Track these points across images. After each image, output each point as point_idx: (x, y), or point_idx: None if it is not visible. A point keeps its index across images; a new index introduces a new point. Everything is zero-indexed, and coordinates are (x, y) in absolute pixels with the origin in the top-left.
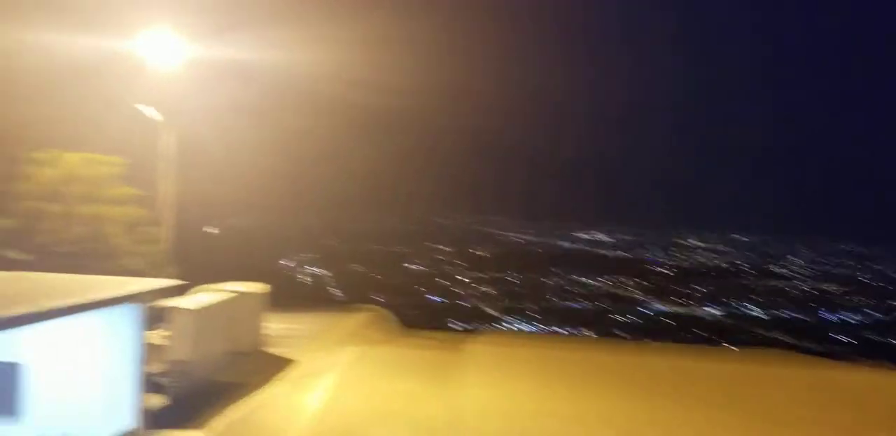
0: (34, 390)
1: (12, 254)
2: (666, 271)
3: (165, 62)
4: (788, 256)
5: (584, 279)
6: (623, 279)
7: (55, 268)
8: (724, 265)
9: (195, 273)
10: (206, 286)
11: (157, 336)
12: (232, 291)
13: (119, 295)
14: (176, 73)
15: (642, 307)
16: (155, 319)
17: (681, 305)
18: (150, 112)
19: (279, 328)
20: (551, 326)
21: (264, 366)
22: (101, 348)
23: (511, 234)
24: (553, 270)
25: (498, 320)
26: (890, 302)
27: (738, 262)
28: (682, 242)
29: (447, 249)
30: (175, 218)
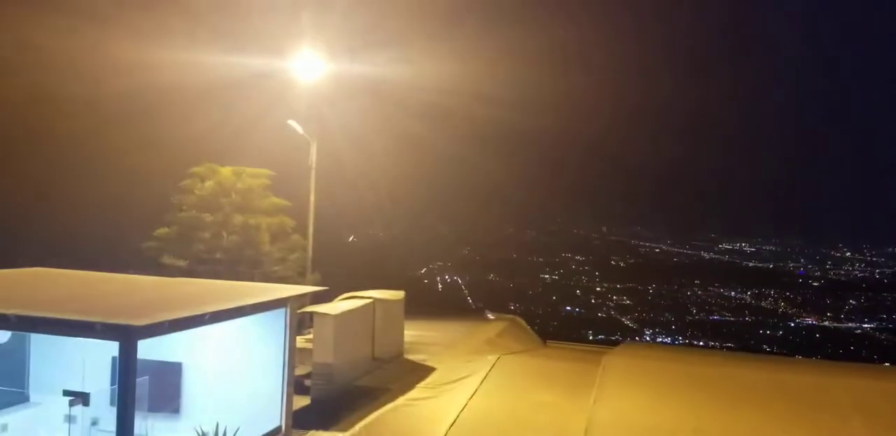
0: (193, 388)
1: (170, 260)
2: (815, 284)
3: (310, 79)
4: None
5: (726, 291)
6: (769, 291)
7: (209, 274)
8: (882, 278)
9: (337, 280)
10: (348, 293)
11: (302, 340)
12: (371, 298)
13: (269, 300)
14: (319, 90)
15: (790, 321)
16: (302, 324)
17: (832, 319)
18: (297, 126)
19: (417, 335)
20: (692, 339)
21: (404, 372)
22: (253, 351)
23: (650, 244)
24: (694, 281)
25: (637, 332)
26: None
27: None
28: (836, 253)
29: (584, 259)
30: (318, 227)
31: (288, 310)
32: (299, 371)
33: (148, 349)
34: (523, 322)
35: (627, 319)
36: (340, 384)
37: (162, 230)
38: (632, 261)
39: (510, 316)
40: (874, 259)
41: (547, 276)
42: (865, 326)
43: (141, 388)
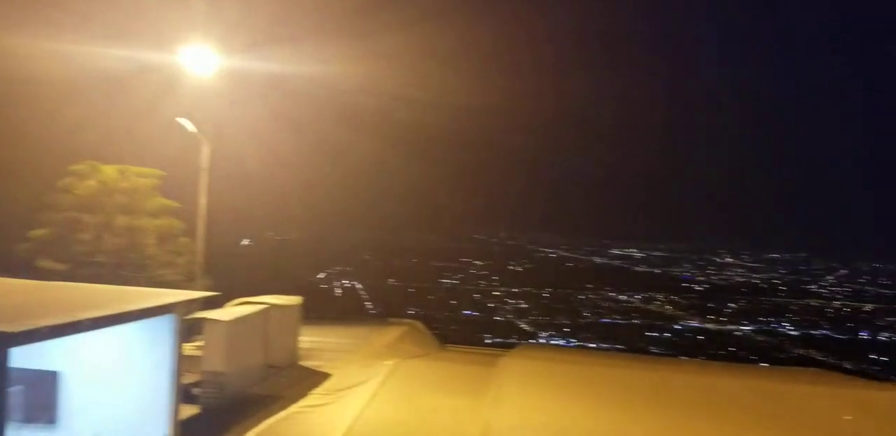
0: (72, 398)
1: (48, 263)
2: (699, 288)
3: (203, 75)
4: (824, 275)
5: (617, 295)
6: (656, 295)
7: (90, 278)
8: (758, 283)
9: (230, 285)
10: (241, 299)
11: (191, 348)
12: (266, 304)
13: (153, 306)
14: (214, 86)
15: (676, 324)
16: (191, 331)
17: (715, 321)
18: (187, 124)
19: (314, 342)
20: (585, 341)
21: (299, 379)
22: (136, 359)
23: (546, 249)
24: (587, 285)
25: (533, 335)
26: None
27: (774, 280)
28: (717, 259)
29: (483, 264)
30: (210, 230)
31: (175, 316)
32: (188, 379)
33: (23, 358)
34: (422, 326)
35: (523, 323)
36: (232, 393)
37: (38, 231)
38: (528, 266)
39: (409, 321)
40: (752, 265)
41: (447, 280)
42: (744, 328)
43: (14, 398)
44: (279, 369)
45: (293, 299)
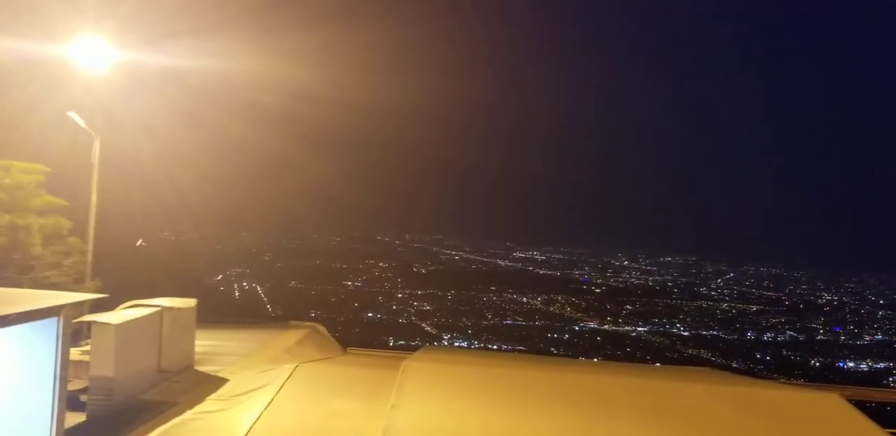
0: None
1: None
2: (598, 290)
3: (96, 68)
4: (714, 278)
5: (519, 297)
6: (557, 297)
7: None
8: (653, 285)
9: (122, 287)
10: (132, 301)
11: (79, 352)
12: (158, 306)
13: (37, 308)
14: (107, 80)
15: (575, 325)
16: (78, 335)
17: (612, 323)
18: (77, 119)
19: (211, 345)
20: (488, 343)
21: (194, 384)
22: (18, 364)
23: (451, 252)
24: (490, 287)
25: (436, 338)
26: (807, 323)
27: (668, 282)
28: (615, 262)
29: (387, 265)
30: (102, 229)
31: (61, 319)
32: (74, 386)
33: None
34: (324, 329)
35: (427, 325)
36: (121, 399)
37: None
38: (433, 268)
39: (310, 323)
40: (648, 268)
41: (350, 282)
42: (640, 329)
43: None
44: (173, 373)
45: (188, 302)
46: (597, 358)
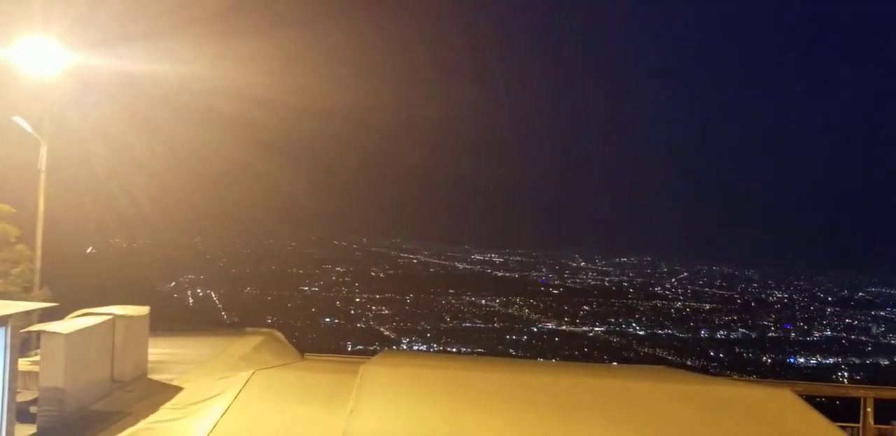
0: None
1: None
2: (556, 291)
3: (44, 72)
4: (669, 277)
5: (477, 300)
6: (515, 299)
7: None
8: (610, 286)
9: (72, 296)
10: (83, 310)
11: (28, 363)
12: (110, 315)
13: None
14: (57, 84)
15: (533, 326)
16: (27, 345)
17: (570, 323)
18: (23, 124)
19: (165, 353)
20: (447, 346)
21: (148, 393)
22: None
23: (409, 255)
24: (449, 290)
25: (395, 342)
26: (759, 320)
27: (624, 283)
28: (572, 263)
29: (345, 270)
30: (51, 236)
31: (8, 329)
32: (24, 397)
33: None
34: (281, 336)
35: (386, 329)
36: (73, 410)
37: None
38: (391, 272)
39: (267, 330)
40: (605, 268)
41: (307, 288)
42: (597, 329)
43: None
44: (126, 383)
45: (141, 309)
46: (555, 359)
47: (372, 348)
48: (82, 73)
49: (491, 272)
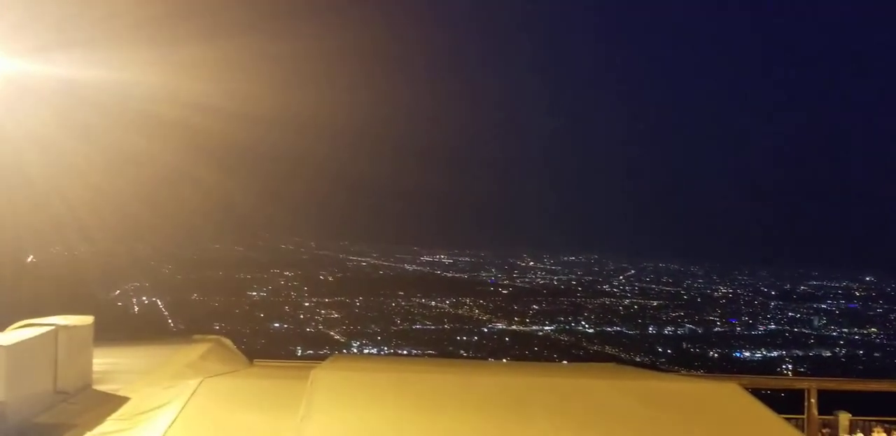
0: None
1: None
2: (505, 291)
3: None
4: (616, 275)
5: (427, 301)
6: (465, 300)
7: None
8: (558, 284)
9: (11, 307)
10: (24, 321)
11: None
12: (52, 325)
13: None
14: None
15: (483, 327)
16: None
17: (519, 323)
18: None
19: (110, 363)
20: (398, 348)
21: (93, 404)
22: None
23: (357, 258)
24: (399, 292)
25: (345, 345)
26: (705, 315)
27: (572, 281)
28: (520, 263)
29: (293, 274)
30: None
31: None
32: None
33: None
34: (229, 342)
35: (336, 333)
36: (14, 423)
37: None
38: (340, 275)
39: (214, 336)
40: (553, 267)
41: (254, 293)
42: (547, 328)
43: None
44: (70, 394)
45: (84, 319)
46: (506, 359)
47: (322, 353)
48: (18, 80)
49: (440, 273)
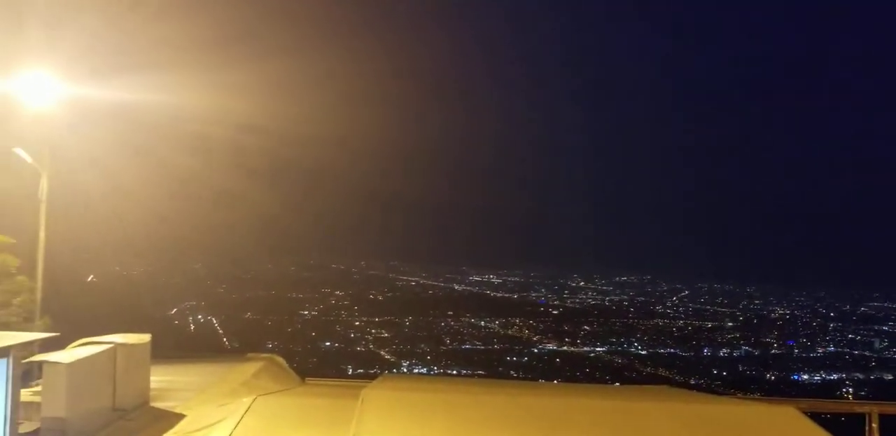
0: None
1: None
2: (555, 312)
3: (41, 103)
4: (669, 296)
5: (477, 321)
6: (515, 320)
7: None
8: (610, 305)
9: (73, 325)
10: (84, 339)
11: (29, 393)
12: (111, 343)
13: None
14: (54, 115)
15: (534, 347)
16: (29, 375)
17: (570, 344)
18: (23, 155)
19: (166, 381)
20: (447, 368)
21: (150, 421)
22: None
23: (407, 278)
24: (448, 312)
25: (395, 364)
26: (761, 337)
27: (624, 302)
28: (571, 283)
29: (343, 293)
30: (49, 266)
31: (10, 360)
32: (25, 428)
33: None
34: (281, 361)
35: (385, 352)
36: None
37: None
38: (389, 294)
39: (267, 355)
40: (605, 288)
41: (306, 312)
42: (598, 349)
43: None
44: (128, 411)
45: (142, 337)
46: (556, 380)
47: (372, 372)
48: (77, 104)
49: (489, 293)
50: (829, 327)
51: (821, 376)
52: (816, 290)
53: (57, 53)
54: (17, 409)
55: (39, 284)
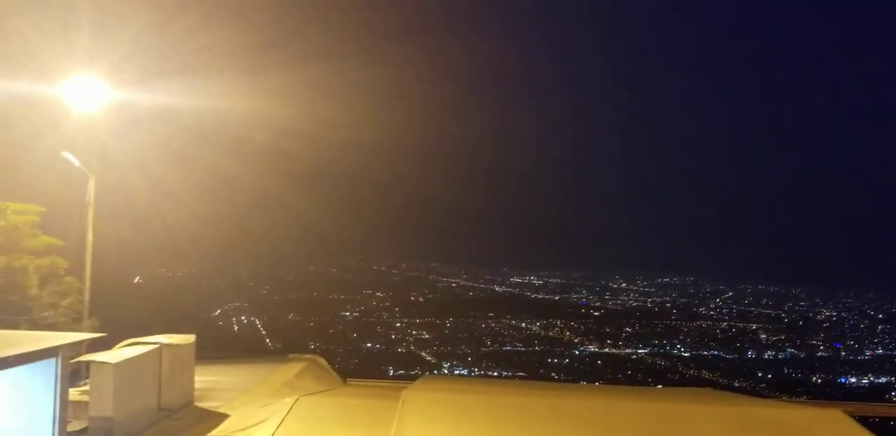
0: None
1: None
2: (597, 313)
3: (88, 108)
4: (712, 298)
5: (517, 322)
6: (556, 322)
7: None
8: (652, 307)
9: (119, 326)
10: (131, 339)
11: (77, 393)
12: (157, 343)
13: (35, 350)
14: (100, 119)
15: (575, 349)
16: (77, 375)
17: (612, 346)
18: (73, 159)
19: (210, 381)
20: (488, 370)
21: (194, 421)
22: (19, 406)
23: (447, 279)
24: (488, 314)
25: (436, 366)
26: (807, 339)
27: (666, 303)
28: (613, 285)
29: (384, 295)
30: (97, 268)
31: (59, 360)
32: (74, 427)
33: None
34: (323, 361)
35: (426, 354)
36: None
37: None
38: (430, 296)
39: (309, 356)
40: (647, 289)
41: (348, 313)
42: (640, 351)
43: None
44: (173, 411)
45: (187, 338)
46: (598, 382)
47: (413, 373)
48: (122, 109)
49: (530, 295)
50: (878, 329)
51: (869, 379)
52: (864, 291)
53: (104, 59)
54: (66, 408)
55: (87, 285)
